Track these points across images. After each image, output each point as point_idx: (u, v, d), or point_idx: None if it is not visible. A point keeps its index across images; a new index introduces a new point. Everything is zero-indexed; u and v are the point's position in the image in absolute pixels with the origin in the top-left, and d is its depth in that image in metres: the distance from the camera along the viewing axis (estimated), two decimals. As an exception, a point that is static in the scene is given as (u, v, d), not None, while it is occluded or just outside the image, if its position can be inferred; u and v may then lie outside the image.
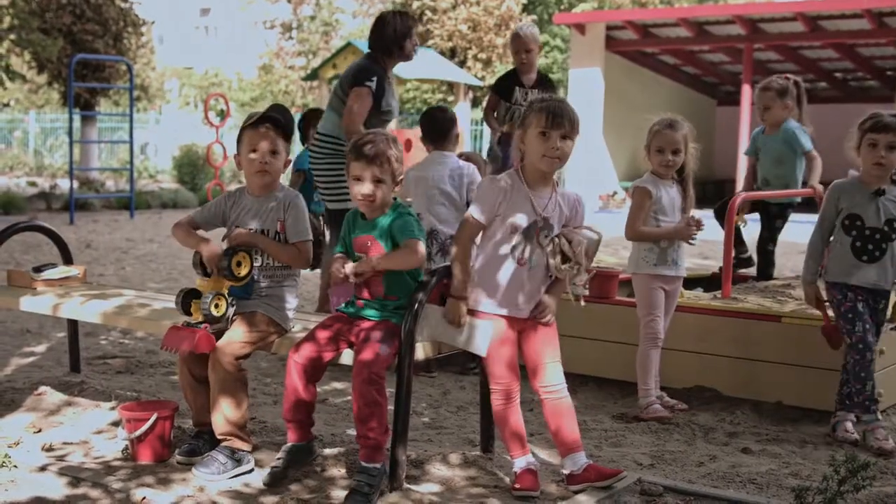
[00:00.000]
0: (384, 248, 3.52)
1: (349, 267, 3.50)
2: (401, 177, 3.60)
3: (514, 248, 3.50)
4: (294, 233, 3.78)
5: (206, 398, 3.72)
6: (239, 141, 3.83)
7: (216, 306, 3.62)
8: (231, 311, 3.69)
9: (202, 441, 3.79)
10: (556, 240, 3.50)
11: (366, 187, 3.51)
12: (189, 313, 3.66)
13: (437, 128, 5.53)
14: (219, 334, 3.65)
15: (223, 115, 19.71)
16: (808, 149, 5.98)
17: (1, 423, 4.17)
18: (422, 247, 3.49)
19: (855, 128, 4.40)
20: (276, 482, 3.47)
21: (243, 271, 3.68)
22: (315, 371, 3.51)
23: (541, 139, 3.46)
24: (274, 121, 3.78)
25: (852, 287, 4.36)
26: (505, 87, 7.17)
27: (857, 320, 4.33)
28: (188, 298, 3.68)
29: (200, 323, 3.64)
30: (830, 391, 4.56)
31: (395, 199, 3.61)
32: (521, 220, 3.50)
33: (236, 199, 3.90)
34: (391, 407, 3.42)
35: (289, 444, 3.56)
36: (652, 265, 4.69)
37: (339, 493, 3.38)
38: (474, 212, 3.53)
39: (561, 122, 3.45)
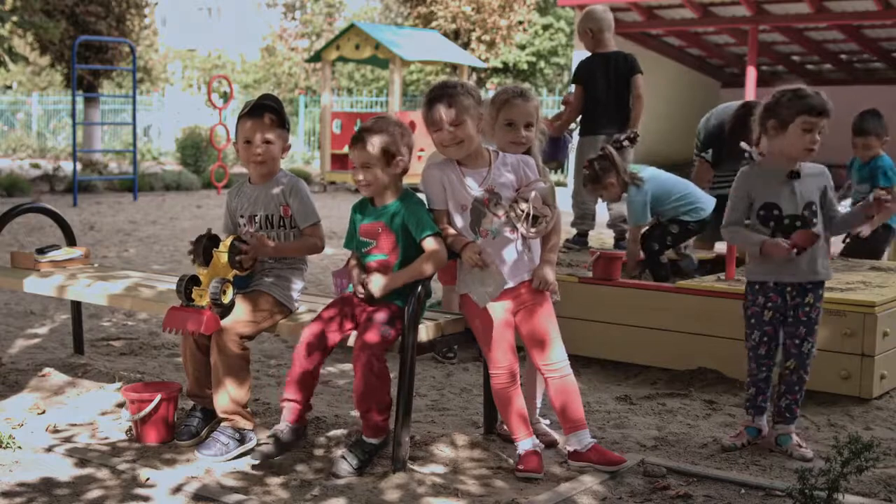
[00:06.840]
0: (393, 236, 3.54)
1: (376, 290, 3.49)
2: (403, 161, 3.58)
3: (471, 224, 3.56)
4: (303, 217, 3.80)
5: (206, 369, 3.74)
6: (236, 131, 3.87)
7: (224, 293, 3.63)
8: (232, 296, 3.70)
9: (197, 419, 3.80)
10: (514, 206, 3.53)
11: (358, 174, 3.56)
12: (191, 300, 3.66)
13: None
14: (223, 314, 3.66)
15: (226, 97, 19.68)
16: None
17: (4, 405, 4.18)
18: (440, 242, 3.51)
19: (761, 109, 3.90)
20: (266, 461, 3.48)
21: (247, 263, 3.72)
22: (321, 353, 3.53)
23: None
24: (266, 109, 3.81)
25: (774, 286, 3.93)
26: None
27: (755, 328, 3.98)
28: (190, 286, 3.68)
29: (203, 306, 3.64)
30: (834, 373, 4.56)
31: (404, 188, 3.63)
32: (463, 197, 3.57)
33: (238, 189, 3.95)
34: (394, 389, 3.43)
35: (283, 425, 3.54)
36: None
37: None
38: (430, 204, 3.62)
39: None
